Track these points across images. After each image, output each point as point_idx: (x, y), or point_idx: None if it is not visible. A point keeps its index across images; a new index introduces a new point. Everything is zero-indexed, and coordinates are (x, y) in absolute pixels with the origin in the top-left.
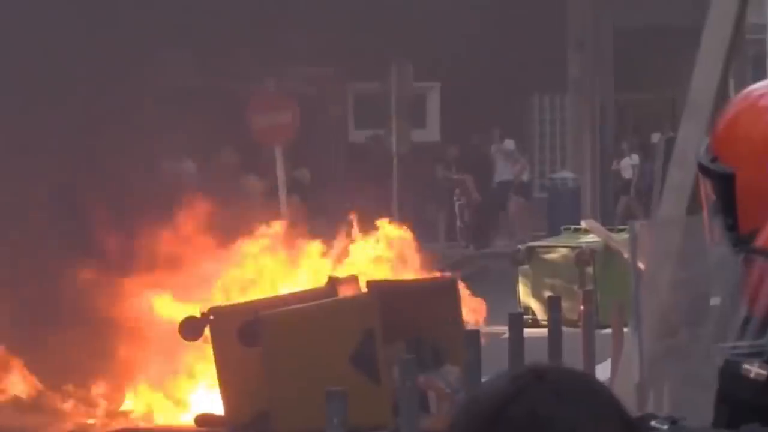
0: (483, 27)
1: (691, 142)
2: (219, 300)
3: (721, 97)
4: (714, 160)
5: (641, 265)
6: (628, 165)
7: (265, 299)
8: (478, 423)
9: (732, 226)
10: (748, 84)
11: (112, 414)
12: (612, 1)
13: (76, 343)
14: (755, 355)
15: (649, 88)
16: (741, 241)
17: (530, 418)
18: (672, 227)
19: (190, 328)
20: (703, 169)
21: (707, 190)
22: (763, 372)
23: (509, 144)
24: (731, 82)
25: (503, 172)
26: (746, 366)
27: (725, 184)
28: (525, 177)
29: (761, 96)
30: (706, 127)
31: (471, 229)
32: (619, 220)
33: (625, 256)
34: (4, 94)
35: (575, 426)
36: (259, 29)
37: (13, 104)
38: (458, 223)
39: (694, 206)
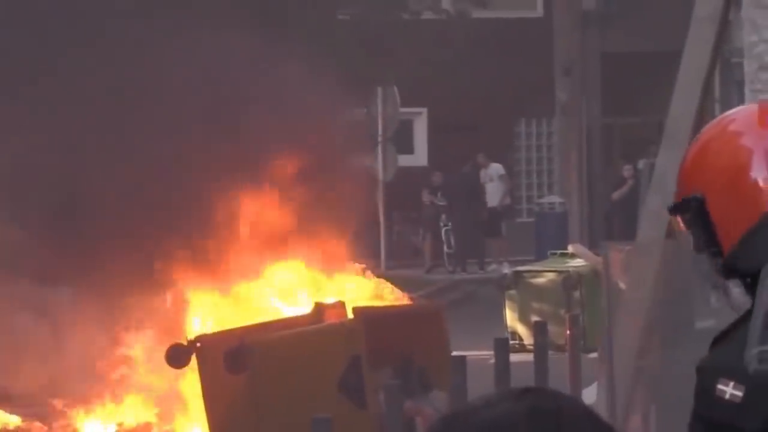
0: (470, 51)
1: (670, 169)
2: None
3: (700, 124)
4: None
5: (623, 287)
6: None
7: (251, 326)
8: None
9: (717, 253)
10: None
11: None
12: (599, 25)
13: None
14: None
15: (637, 112)
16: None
17: None
18: (651, 251)
19: (176, 356)
20: (676, 207)
21: (685, 227)
22: (738, 393)
23: (497, 168)
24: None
25: (493, 197)
26: (720, 386)
27: (699, 211)
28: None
29: (731, 122)
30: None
31: (458, 254)
32: None
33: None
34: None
35: None
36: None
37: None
38: (445, 248)
39: (672, 231)
